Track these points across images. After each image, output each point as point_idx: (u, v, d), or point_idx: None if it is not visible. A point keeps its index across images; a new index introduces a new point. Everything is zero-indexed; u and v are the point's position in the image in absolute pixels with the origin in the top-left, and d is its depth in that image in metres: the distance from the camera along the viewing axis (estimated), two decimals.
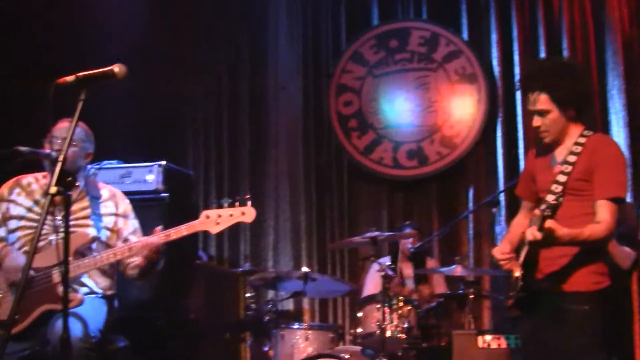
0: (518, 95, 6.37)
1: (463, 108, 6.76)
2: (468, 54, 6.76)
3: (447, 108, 6.80)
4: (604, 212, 3.25)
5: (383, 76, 7.01)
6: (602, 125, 6.05)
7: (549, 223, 3.09)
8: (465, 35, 6.85)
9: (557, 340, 3.29)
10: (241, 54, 7.33)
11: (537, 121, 3.41)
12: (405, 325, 4.75)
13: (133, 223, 3.98)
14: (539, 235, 3.12)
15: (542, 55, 6.38)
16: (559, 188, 3.27)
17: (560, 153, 3.43)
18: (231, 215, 3.51)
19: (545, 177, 3.42)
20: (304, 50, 7.21)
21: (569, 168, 3.32)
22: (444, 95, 6.82)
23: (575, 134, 3.42)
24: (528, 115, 3.69)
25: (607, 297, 3.34)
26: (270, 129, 7.23)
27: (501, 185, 6.40)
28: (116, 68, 2.87)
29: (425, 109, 6.85)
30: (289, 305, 6.58)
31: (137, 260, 3.69)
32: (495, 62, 6.67)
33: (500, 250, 3.44)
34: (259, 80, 7.30)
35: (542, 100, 3.37)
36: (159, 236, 3.57)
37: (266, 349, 5.16)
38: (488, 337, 4.67)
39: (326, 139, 7.08)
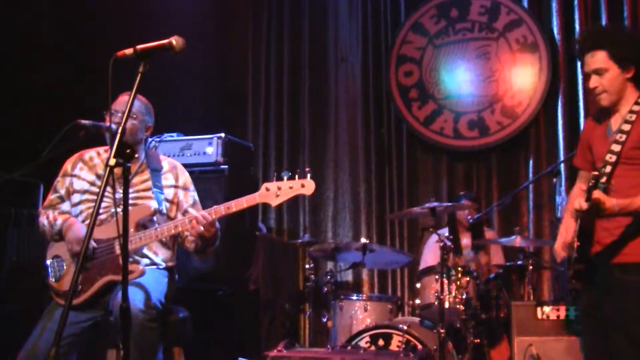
0: (579, 64, 6.19)
1: (524, 77, 6.64)
2: (529, 22, 6.62)
3: (508, 78, 6.68)
4: None
5: (443, 46, 6.91)
6: None
7: (597, 194, 3.03)
8: (525, 4, 6.71)
9: (616, 312, 3.23)
10: (301, 26, 7.31)
11: (594, 81, 3.30)
12: (464, 297, 4.72)
13: (193, 195, 4.00)
14: (584, 205, 3.06)
15: (603, 23, 6.20)
16: (613, 158, 3.19)
17: (615, 122, 3.33)
18: (291, 187, 3.49)
19: (601, 146, 3.33)
20: (364, 21, 7.15)
21: (624, 137, 3.22)
22: (504, 64, 6.70)
23: (631, 99, 3.31)
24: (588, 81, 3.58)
25: None
26: (330, 101, 7.21)
27: (562, 155, 6.28)
28: (174, 40, 2.87)
29: (486, 79, 6.74)
30: (348, 276, 6.61)
31: (194, 234, 3.68)
32: (556, 31, 6.53)
33: (561, 245, 3.40)
34: (319, 52, 7.28)
35: (599, 58, 3.26)
36: (219, 209, 3.58)
37: (325, 319, 5.17)
38: (547, 309, 4.59)
39: (386, 110, 7.03)
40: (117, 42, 3.04)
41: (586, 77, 3.38)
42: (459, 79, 6.83)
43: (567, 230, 3.39)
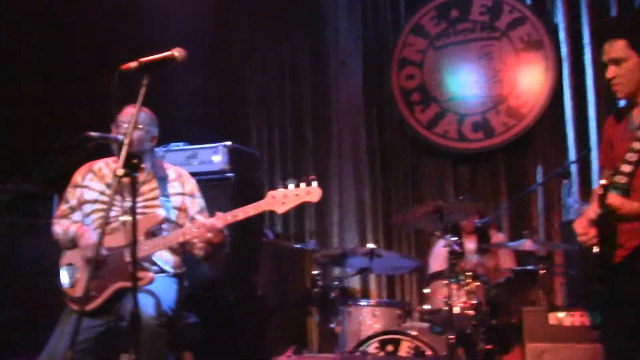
0: (587, 60, 6.16)
1: (530, 76, 6.62)
2: (533, 19, 6.60)
3: (512, 77, 6.67)
4: None
5: (445, 48, 6.92)
6: None
7: (611, 199, 2.93)
8: (528, 0, 6.67)
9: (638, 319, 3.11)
10: (301, 31, 7.33)
11: (611, 71, 3.19)
12: (474, 302, 4.69)
13: (199, 202, 4.06)
14: (596, 214, 2.97)
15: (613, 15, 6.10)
16: (634, 157, 3.04)
17: (637, 116, 3.20)
18: (297, 195, 3.53)
19: (622, 144, 3.18)
20: (364, 24, 7.16)
21: None
22: (509, 64, 6.69)
23: None
24: (599, 79, 3.45)
25: None
26: (332, 106, 7.23)
27: (572, 155, 6.22)
28: (176, 52, 2.97)
29: (489, 79, 6.73)
30: (356, 282, 6.60)
31: (202, 241, 3.73)
32: (561, 27, 6.45)
33: (581, 224, 3.18)
34: (319, 58, 7.29)
35: (618, 47, 3.15)
36: (226, 216, 3.61)
37: (333, 325, 5.15)
38: (561, 314, 4.55)
39: (389, 114, 7.04)
40: (124, 54, 3.07)
41: (603, 67, 3.26)
42: (462, 81, 6.83)
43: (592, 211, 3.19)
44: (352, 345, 4.78)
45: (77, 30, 6.83)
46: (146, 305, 3.49)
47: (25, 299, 5.83)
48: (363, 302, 5.16)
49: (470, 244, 5.80)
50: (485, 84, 6.75)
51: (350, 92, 7.18)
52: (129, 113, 3.81)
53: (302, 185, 3.54)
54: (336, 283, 5.31)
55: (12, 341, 5.47)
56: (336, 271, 6.30)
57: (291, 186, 3.54)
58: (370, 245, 5.24)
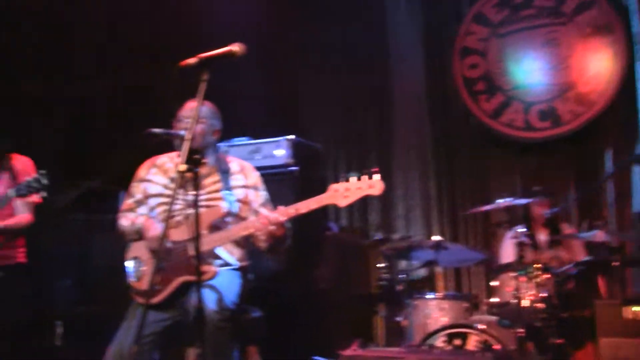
0: None
1: (598, 62, 6.40)
2: (601, 2, 6.39)
3: (580, 64, 6.47)
4: None
5: (508, 35, 6.77)
6: None
7: None
8: None
9: None
10: (361, 22, 7.27)
11: None
12: (543, 295, 4.58)
13: (263, 194, 4.07)
14: None
15: None
16: None
17: None
18: (359, 188, 3.53)
19: None
20: (425, 14, 7.06)
21: None
22: (576, 50, 6.49)
23: None
24: None
25: None
26: (395, 98, 7.16)
27: None
28: (235, 47, 2.98)
29: (556, 67, 6.55)
30: (422, 274, 6.53)
31: (265, 234, 3.74)
32: (634, 8, 6.20)
33: None
34: (380, 49, 7.23)
35: None
36: (289, 210, 3.61)
37: (399, 319, 5.13)
38: (636, 308, 4.39)
39: (452, 104, 6.94)
40: (182, 51, 3.09)
41: None
42: (527, 68, 6.67)
43: None
44: (418, 339, 4.75)
45: (142, 28, 6.94)
46: (209, 299, 3.52)
47: (100, 293, 5.99)
48: (430, 295, 5.11)
49: (542, 236, 5.67)
50: (551, 71, 6.57)
51: (412, 83, 7.10)
52: (189, 108, 3.84)
53: (364, 178, 3.53)
54: (402, 276, 5.29)
55: (90, 335, 5.61)
56: (402, 264, 6.25)
57: (353, 179, 3.53)
58: (436, 238, 5.19)
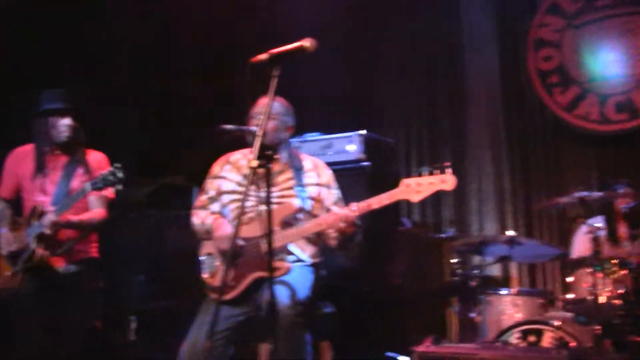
0: None
1: None
2: None
3: None
4: None
5: (584, 26, 6.59)
6: None
7: None
8: None
9: None
10: (435, 18, 7.22)
11: None
12: (621, 291, 4.47)
13: (335, 193, 4.06)
14: None
15: None
16: None
17: None
18: (431, 183, 3.49)
19: None
20: (499, 6, 6.96)
21: None
22: None
23: None
24: None
25: None
26: (468, 91, 7.09)
27: None
28: (306, 43, 2.97)
29: (633, 57, 6.36)
30: (495, 270, 6.46)
31: (335, 231, 3.72)
32: None
33: None
34: (453, 43, 7.16)
35: None
36: (361, 205, 3.61)
37: (473, 315, 5.09)
38: None
39: (527, 97, 6.82)
40: (252, 48, 3.13)
41: None
42: (604, 60, 6.49)
43: None
44: (492, 335, 4.70)
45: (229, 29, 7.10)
46: (282, 294, 3.52)
47: (174, 288, 6.11)
48: (504, 291, 5.07)
49: (622, 230, 5.52)
50: (628, 62, 6.37)
51: (486, 77, 7.00)
52: (262, 104, 3.83)
53: (437, 173, 3.50)
54: (476, 272, 5.24)
55: (164, 330, 5.74)
56: (475, 260, 6.19)
57: (425, 174, 3.51)
58: (510, 233, 5.14)
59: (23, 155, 4.53)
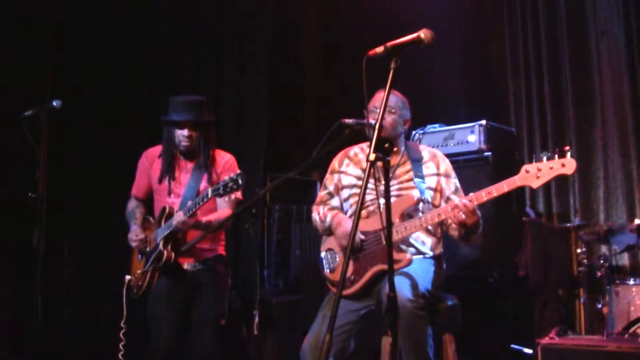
0: None
1: None
2: None
3: None
4: None
5: None
6: None
7: None
8: None
9: None
10: (557, 3, 7.03)
11: None
12: None
13: (454, 182, 4.05)
14: None
15: None
16: None
17: None
18: (551, 168, 3.41)
19: None
20: None
21: None
22: None
23: None
24: None
25: None
26: (593, 78, 6.84)
27: None
28: (422, 34, 2.92)
29: None
30: (624, 259, 6.23)
31: (456, 222, 3.70)
32: None
33: None
34: (577, 28, 6.94)
35: None
36: (480, 194, 3.58)
37: (600, 306, 4.96)
38: None
39: None
40: (368, 43, 3.16)
41: None
42: None
43: None
44: (620, 327, 4.57)
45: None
46: (403, 287, 3.53)
47: (299, 283, 6.26)
48: (632, 281, 4.91)
49: None
50: None
51: (613, 60, 6.73)
52: (380, 98, 3.85)
53: (557, 157, 3.42)
54: (603, 261, 5.09)
55: (288, 324, 5.88)
56: (603, 249, 6.02)
57: (545, 159, 3.45)
58: (638, 221, 4.97)
59: (153, 157, 4.68)
